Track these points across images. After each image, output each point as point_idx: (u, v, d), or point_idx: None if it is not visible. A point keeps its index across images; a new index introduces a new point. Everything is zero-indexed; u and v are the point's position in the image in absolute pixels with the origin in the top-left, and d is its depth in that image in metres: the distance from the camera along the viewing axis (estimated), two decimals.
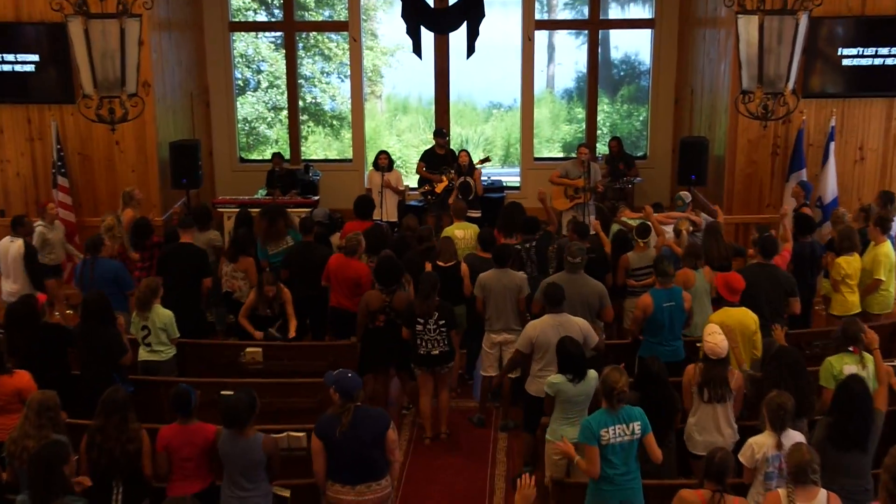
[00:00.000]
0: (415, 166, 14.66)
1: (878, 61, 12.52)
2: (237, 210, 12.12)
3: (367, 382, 8.84)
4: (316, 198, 14.10)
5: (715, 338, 7.31)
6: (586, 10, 16.16)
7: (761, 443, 6.39)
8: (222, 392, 8.12)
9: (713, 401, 7.28)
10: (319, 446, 6.40)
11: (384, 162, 13.38)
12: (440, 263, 9.94)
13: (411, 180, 15.64)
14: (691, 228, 10.79)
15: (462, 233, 11.05)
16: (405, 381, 9.70)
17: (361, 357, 9.29)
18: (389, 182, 13.28)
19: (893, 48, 12.48)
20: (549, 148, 18.04)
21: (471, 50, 15.09)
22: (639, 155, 16.36)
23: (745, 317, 8.24)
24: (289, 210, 12.50)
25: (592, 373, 7.28)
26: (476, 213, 13.17)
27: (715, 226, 10.43)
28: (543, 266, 10.22)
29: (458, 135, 18.89)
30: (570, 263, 8.80)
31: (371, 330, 9.24)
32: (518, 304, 9.25)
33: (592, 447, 6.49)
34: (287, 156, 15.85)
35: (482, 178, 14.30)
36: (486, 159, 14.31)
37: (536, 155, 16.45)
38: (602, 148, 16.24)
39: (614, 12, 16.83)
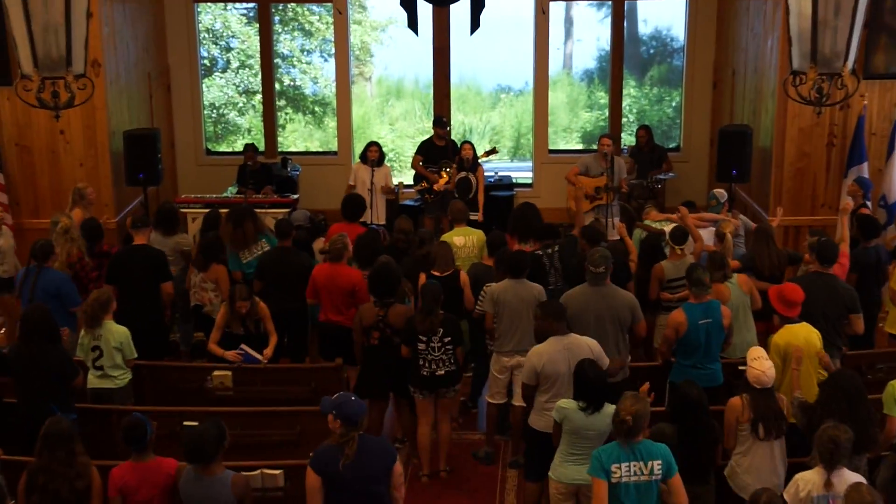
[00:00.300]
0: (409, 160, 14.64)
1: None
2: (204, 211, 12.09)
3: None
4: (295, 197, 14.07)
5: (761, 363, 7.27)
6: None
7: (808, 479, 6.35)
8: (185, 423, 8.06)
9: (771, 437, 7.24)
10: (317, 483, 6.33)
11: (374, 155, 13.36)
12: (435, 273, 9.92)
13: (406, 176, 15.62)
14: (739, 232, 10.78)
15: (462, 240, 10.99)
16: (403, 410, 9.65)
17: (359, 380, 9.29)
18: (379, 181, 13.27)
19: None
20: (566, 139, 18.02)
21: (475, 24, 15.04)
22: (671, 147, 16.33)
23: (810, 333, 8.18)
24: (264, 211, 12.49)
25: (611, 408, 7.07)
26: (475, 216, 13.11)
27: (765, 229, 10.39)
28: (569, 275, 10.17)
29: (461, 123, 18.88)
30: (593, 274, 8.74)
31: (365, 349, 9.23)
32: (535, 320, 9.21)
33: (600, 481, 6.44)
34: (261, 147, 15.84)
35: (487, 175, 14.28)
36: (493, 151, 14.28)
37: (551, 147, 16.42)
38: (628, 139, 16.21)
39: None
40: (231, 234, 10.92)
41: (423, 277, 9.86)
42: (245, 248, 10.92)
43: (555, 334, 8.02)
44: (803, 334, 8.12)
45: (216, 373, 9.31)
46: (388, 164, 13.92)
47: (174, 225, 11.17)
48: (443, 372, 8.97)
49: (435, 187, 13.81)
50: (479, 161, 13.73)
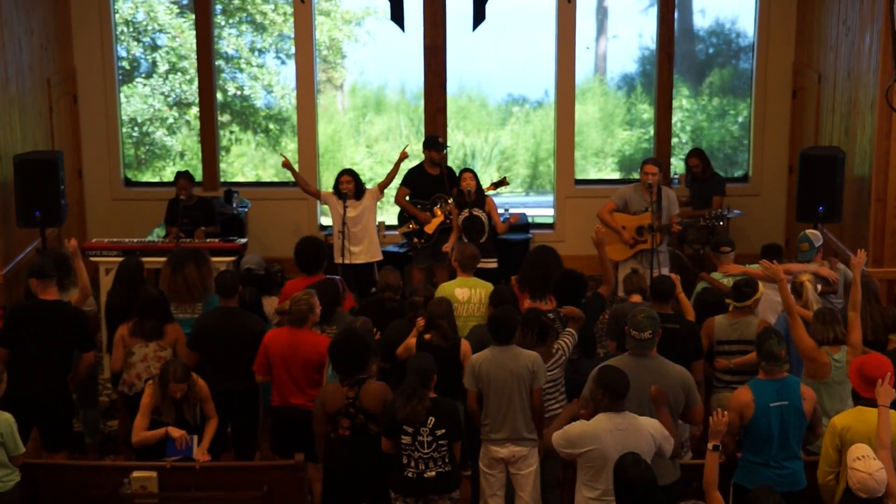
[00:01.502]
0: (392, 193, 14.62)
1: None
2: (120, 259, 12.03)
3: None
4: (242, 241, 14.00)
5: (868, 464, 7.22)
6: None
7: None
8: None
9: None
10: None
11: (348, 188, 13.33)
12: (428, 339, 9.88)
13: (389, 214, 15.60)
14: (820, 286, 10.74)
15: (466, 293, 10.96)
16: None
17: (325, 485, 9.21)
18: (364, 213, 13.28)
19: None
20: (598, 165, 18.05)
21: (479, 17, 15.12)
22: (737, 176, 16.35)
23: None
24: None
25: None
26: (492, 263, 13.10)
27: (867, 282, 10.36)
28: (590, 345, 10.12)
29: (461, 145, 18.91)
30: (636, 340, 8.69)
31: (332, 442, 9.15)
32: (531, 400, 9.20)
33: None
34: (198, 177, 15.81)
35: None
36: (503, 182, 14.27)
37: (579, 176, 16.45)
38: (680, 165, 16.23)
39: None
40: (167, 282, 10.89)
41: (412, 343, 9.82)
42: (186, 303, 10.88)
43: (607, 410, 8.04)
44: (873, 421, 8.07)
45: (136, 474, 9.21)
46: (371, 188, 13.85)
47: (65, 275, 11.06)
48: (433, 473, 8.89)
49: (426, 229, 13.78)
50: (486, 193, 13.68)
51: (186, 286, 10.88)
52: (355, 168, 14.39)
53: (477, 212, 13.42)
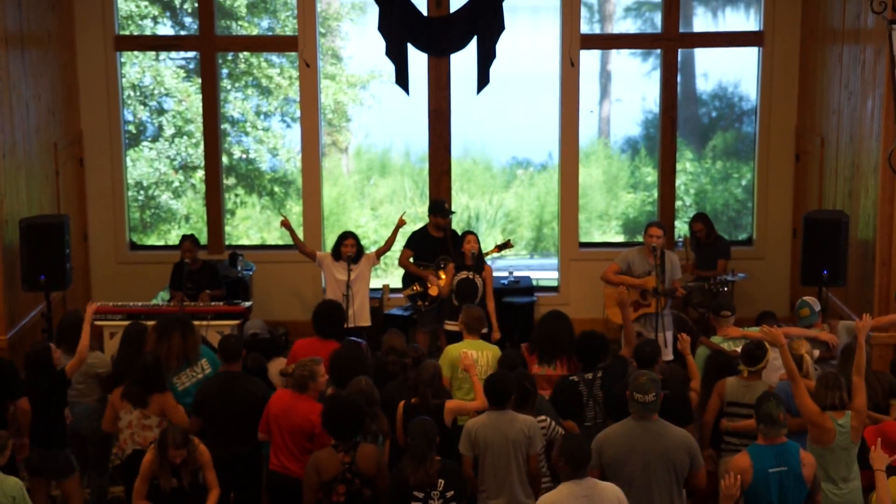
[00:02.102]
0: (396, 255, 14.62)
1: None
2: (126, 323, 12.01)
3: None
4: (247, 304, 13.99)
5: None
6: (659, 20, 16.26)
7: None
8: None
9: None
10: None
11: (350, 250, 13.32)
12: (415, 403, 9.84)
13: (393, 277, 15.58)
14: (817, 353, 10.71)
15: (473, 356, 10.85)
16: None
17: None
18: (359, 278, 13.25)
19: None
20: (602, 228, 18.03)
21: (483, 80, 15.15)
22: (741, 239, 16.33)
23: None
24: (206, 323, 12.42)
25: None
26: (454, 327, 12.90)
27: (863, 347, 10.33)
28: (616, 408, 9.93)
29: (465, 208, 18.91)
30: (640, 404, 8.64)
31: None
32: (528, 465, 9.15)
33: None
34: (203, 240, 15.82)
35: (499, 276, 14.23)
36: (507, 245, 14.26)
37: (583, 239, 16.43)
38: (684, 227, 16.22)
39: (702, 23, 17.04)
40: (153, 348, 10.85)
41: (400, 408, 9.78)
42: (178, 371, 10.85)
43: (569, 479, 7.99)
44: None
45: None
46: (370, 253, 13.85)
47: (77, 341, 11.05)
48: None
49: (431, 292, 13.76)
50: (487, 259, 13.66)
51: (169, 355, 10.84)
52: (359, 231, 14.40)
53: (474, 276, 13.41)
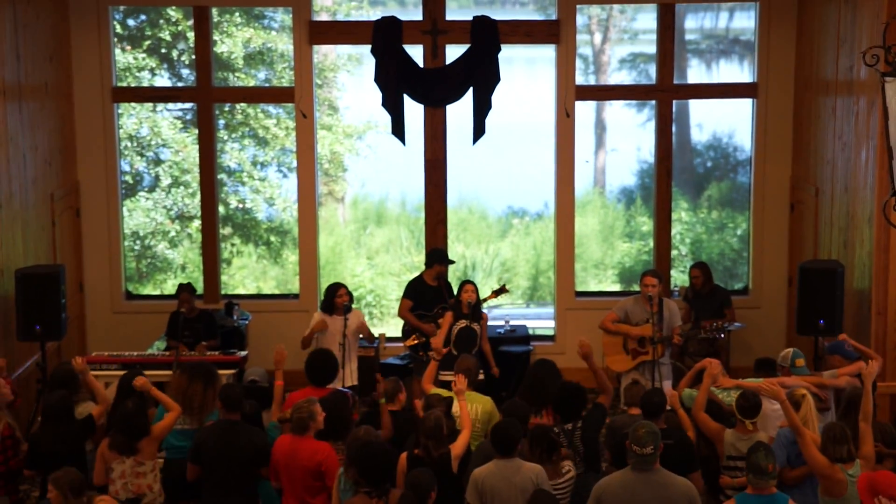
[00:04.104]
0: (393, 305, 14.58)
1: None
2: (121, 373, 11.94)
3: None
4: (243, 353, 13.97)
5: None
6: (653, 71, 16.30)
7: None
8: None
9: None
10: None
11: (346, 299, 13.27)
12: (417, 454, 9.76)
13: (390, 326, 15.52)
14: (819, 400, 10.66)
15: (467, 408, 10.84)
16: None
17: None
18: (355, 330, 13.19)
19: None
20: (598, 277, 18.02)
21: (479, 131, 15.16)
22: (737, 288, 16.31)
23: None
24: None
25: None
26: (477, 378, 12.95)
27: (854, 393, 10.25)
28: (594, 458, 10.01)
29: (461, 257, 18.89)
30: (638, 456, 8.59)
31: None
32: None
33: None
34: (200, 289, 15.79)
35: (494, 325, 14.16)
36: (503, 290, 14.22)
37: (580, 288, 16.39)
38: (680, 277, 16.20)
39: (696, 74, 17.10)
40: (183, 392, 10.77)
41: (402, 459, 9.70)
42: (191, 416, 10.80)
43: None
44: None
45: None
46: (366, 310, 13.84)
47: (74, 390, 11.02)
48: None
49: (431, 342, 13.69)
50: (484, 306, 13.63)
51: (196, 402, 10.77)
52: (355, 280, 14.36)
53: (473, 325, 13.38)
